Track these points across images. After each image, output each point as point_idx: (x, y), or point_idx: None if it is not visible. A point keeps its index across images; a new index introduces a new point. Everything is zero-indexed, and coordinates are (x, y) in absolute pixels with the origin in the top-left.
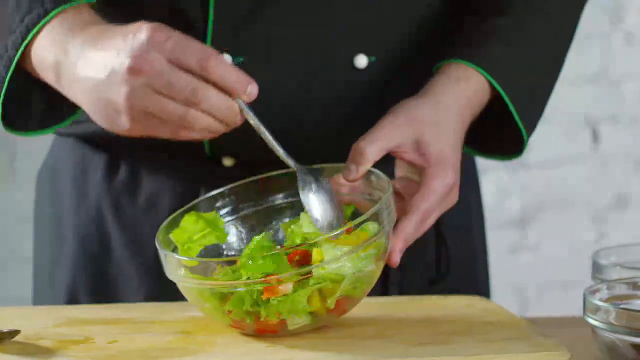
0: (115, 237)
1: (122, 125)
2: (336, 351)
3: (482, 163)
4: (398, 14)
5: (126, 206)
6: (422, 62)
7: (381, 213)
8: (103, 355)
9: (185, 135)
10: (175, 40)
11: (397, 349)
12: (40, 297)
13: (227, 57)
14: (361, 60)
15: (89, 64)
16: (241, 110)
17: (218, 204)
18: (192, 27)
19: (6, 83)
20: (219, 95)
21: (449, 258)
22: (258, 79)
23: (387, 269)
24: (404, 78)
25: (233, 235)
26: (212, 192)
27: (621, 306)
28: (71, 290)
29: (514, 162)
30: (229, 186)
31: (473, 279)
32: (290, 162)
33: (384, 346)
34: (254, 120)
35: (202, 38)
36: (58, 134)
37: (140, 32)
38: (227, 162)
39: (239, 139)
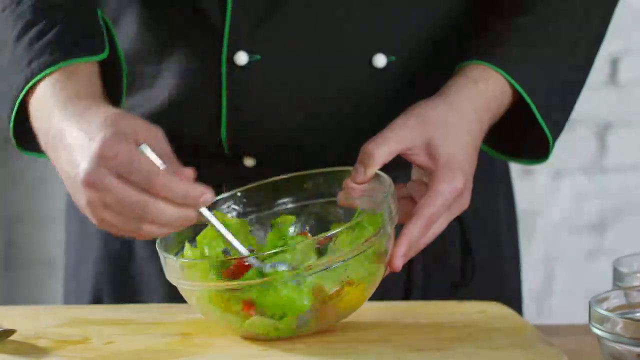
0: None
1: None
2: (330, 355)
3: (559, 167)
4: (418, 13)
5: None
6: (443, 63)
7: (380, 215)
8: (95, 356)
9: (147, 239)
10: (122, 158)
11: (392, 354)
12: (68, 296)
13: (243, 56)
14: (380, 60)
15: (62, 155)
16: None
17: (225, 207)
18: (209, 26)
19: (12, 120)
20: (171, 209)
21: (473, 264)
22: (275, 77)
23: (410, 273)
24: (425, 79)
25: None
26: (219, 196)
27: (627, 316)
28: (95, 289)
29: (592, 165)
30: (236, 190)
31: (500, 285)
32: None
33: (381, 351)
34: (213, 224)
35: (220, 37)
36: None
37: (92, 143)
38: (248, 162)
39: (259, 139)
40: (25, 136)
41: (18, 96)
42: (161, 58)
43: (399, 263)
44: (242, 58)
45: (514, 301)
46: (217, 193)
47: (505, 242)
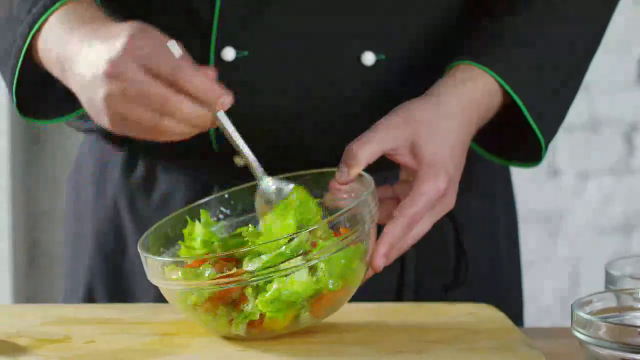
0: (131, 234)
1: (104, 124)
2: (308, 356)
3: (586, 167)
4: (408, 12)
5: (141, 203)
6: (435, 63)
7: (358, 213)
8: (72, 355)
9: (162, 138)
10: (150, 50)
11: (371, 356)
12: (66, 294)
13: (230, 52)
14: (368, 58)
15: (81, 62)
16: (215, 119)
17: (213, 209)
18: (198, 21)
19: (17, 73)
20: (191, 105)
21: (467, 265)
22: (262, 74)
23: (402, 274)
24: (416, 78)
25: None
26: (206, 198)
27: (610, 320)
28: (88, 286)
29: (619, 166)
30: (223, 192)
31: (498, 287)
32: (259, 172)
33: (359, 353)
34: (228, 129)
35: (208, 32)
36: (84, 130)
37: (118, 38)
38: (238, 161)
39: (247, 137)
40: (28, 104)
41: (23, 45)
42: None
43: (379, 263)
44: (229, 54)
45: (513, 303)
46: (208, 194)
47: (503, 244)
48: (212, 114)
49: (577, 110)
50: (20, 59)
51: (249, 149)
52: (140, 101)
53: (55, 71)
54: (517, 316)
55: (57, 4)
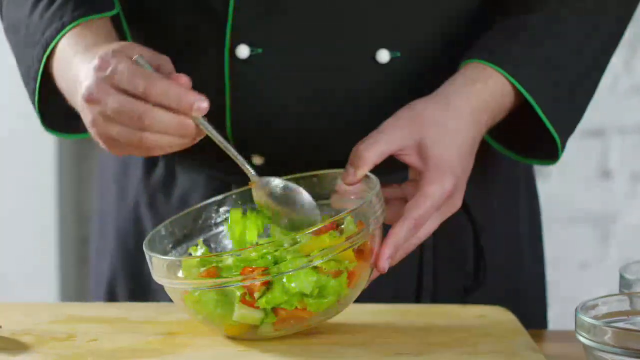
0: None
1: (101, 145)
2: (307, 357)
3: (639, 169)
4: (424, 9)
5: (161, 203)
6: (451, 61)
7: (363, 214)
8: (72, 354)
9: (152, 153)
10: (119, 67)
11: (369, 357)
12: (92, 291)
13: (245, 49)
14: (383, 55)
15: (77, 89)
16: (197, 125)
17: (219, 209)
18: (212, 18)
19: (37, 94)
20: (168, 115)
21: (485, 267)
22: (277, 71)
23: (420, 276)
24: (430, 76)
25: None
26: (215, 197)
27: (614, 324)
28: (111, 284)
29: None
30: (231, 192)
31: (518, 289)
32: (251, 172)
33: (357, 354)
34: (211, 134)
35: (223, 29)
36: None
37: (92, 61)
38: (257, 160)
39: (263, 135)
40: (54, 115)
41: (39, 67)
42: (166, 52)
43: (384, 265)
44: (243, 51)
45: (535, 305)
46: (226, 192)
47: (526, 245)
48: (193, 121)
49: (630, 112)
50: (38, 82)
51: (235, 151)
52: (118, 119)
53: (66, 94)
54: (540, 318)
55: (68, 28)
